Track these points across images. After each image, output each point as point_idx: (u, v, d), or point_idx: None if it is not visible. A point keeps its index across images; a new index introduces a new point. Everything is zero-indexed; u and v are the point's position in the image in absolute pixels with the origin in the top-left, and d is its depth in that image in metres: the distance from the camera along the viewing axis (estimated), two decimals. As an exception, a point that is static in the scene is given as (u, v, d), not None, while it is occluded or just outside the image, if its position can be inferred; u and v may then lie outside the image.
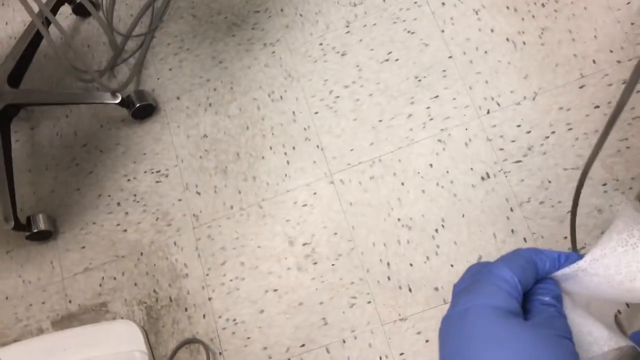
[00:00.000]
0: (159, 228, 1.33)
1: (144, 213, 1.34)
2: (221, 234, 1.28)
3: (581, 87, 1.18)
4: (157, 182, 1.36)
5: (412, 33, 1.32)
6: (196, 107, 1.39)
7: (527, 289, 0.39)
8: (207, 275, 1.26)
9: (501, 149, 1.19)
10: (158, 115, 1.42)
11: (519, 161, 1.17)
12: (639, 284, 0.38)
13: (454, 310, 0.37)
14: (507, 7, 1.28)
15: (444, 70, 1.27)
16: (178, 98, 1.42)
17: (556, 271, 0.41)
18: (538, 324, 0.36)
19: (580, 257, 0.40)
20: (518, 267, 0.38)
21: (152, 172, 1.37)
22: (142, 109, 1.39)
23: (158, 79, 1.45)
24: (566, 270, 0.40)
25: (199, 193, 1.32)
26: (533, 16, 1.26)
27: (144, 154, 1.39)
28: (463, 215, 1.17)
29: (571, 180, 1.14)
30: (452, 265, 1.15)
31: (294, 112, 1.32)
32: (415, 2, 1.34)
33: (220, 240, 1.28)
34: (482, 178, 1.18)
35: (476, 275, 0.39)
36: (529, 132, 1.18)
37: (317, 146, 1.29)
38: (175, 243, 1.30)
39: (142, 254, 1.32)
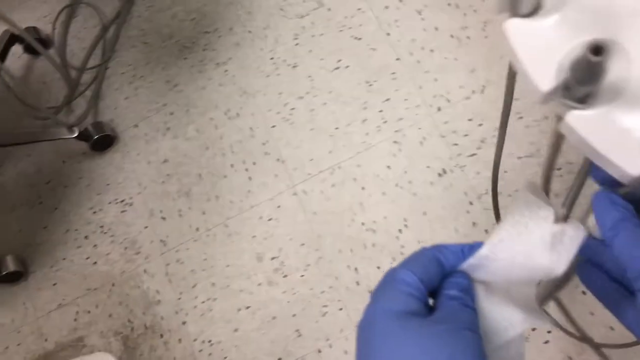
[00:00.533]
0: (128, 257, 1.33)
1: (112, 244, 1.34)
2: (190, 257, 1.29)
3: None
4: (122, 211, 1.36)
5: (359, 39, 1.34)
6: (155, 133, 1.40)
7: (433, 285, 0.40)
8: (180, 299, 1.26)
9: (455, 144, 1.20)
10: (118, 144, 1.42)
11: (474, 154, 1.19)
12: (537, 260, 0.39)
13: (362, 317, 0.38)
14: (449, 4, 1.30)
15: (393, 73, 1.29)
16: (136, 126, 1.42)
17: (462, 263, 0.41)
18: (438, 320, 0.36)
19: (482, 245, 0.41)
20: (420, 266, 0.39)
21: (117, 202, 1.37)
22: (101, 140, 1.39)
23: (115, 108, 1.46)
24: (471, 260, 0.41)
25: (164, 218, 1.33)
26: (475, 10, 1.28)
27: (108, 184, 1.40)
28: (424, 213, 1.18)
29: (526, 167, 1.16)
30: (418, 264, 1.16)
31: (251, 128, 1.33)
32: (359, 9, 1.35)
33: (189, 263, 1.28)
34: (439, 174, 1.20)
35: (382, 281, 0.40)
36: (480, 124, 1.20)
37: (278, 159, 1.30)
38: (145, 270, 1.30)
39: (113, 284, 1.31)
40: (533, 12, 0.36)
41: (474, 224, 1.15)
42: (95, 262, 1.34)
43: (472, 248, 0.41)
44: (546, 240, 0.39)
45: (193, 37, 1.45)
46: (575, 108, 0.33)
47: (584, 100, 0.33)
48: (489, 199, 1.16)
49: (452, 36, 1.28)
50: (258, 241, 1.26)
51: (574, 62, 0.31)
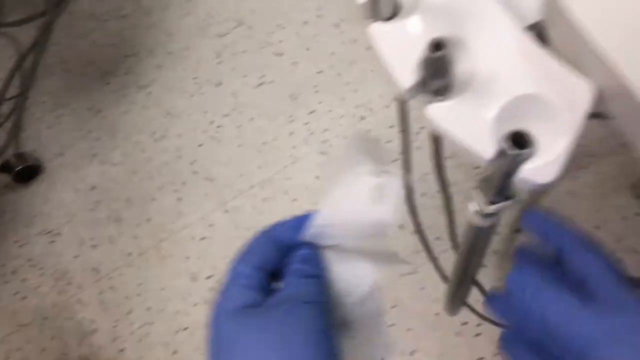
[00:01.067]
0: (60, 288, 1.29)
1: (42, 276, 1.31)
2: (124, 282, 1.26)
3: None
4: (51, 242, 1.33)
5: (281, 55, 1.36)
6: (81, 160, 1.37)
7: (277, 266, 0.39)
8: (115, 326, 1.24)
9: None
10: (43, 174, 1.39)
11: (397, 160, 1.22)
12: (368, 215, 0.39)
13: (208, 319, 0.38)
14: (365, 17, 1.34)
15: (316, 86, 1.32)
16: (61, 154, 1.39)
17: (303, 234, 0.39)
18: (277, 302, 0.36)
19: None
20: (254, 254, 0.38)
21: (45, 233, 1.34)
22: (25, 171, 1.35)
23: (38, 138, 1.42)
24: (311, 230, 0.39)
25: (95, 246, 1.30)
26: (389, 22, 1.33)
27: (34, 216, 1.36)
28: (354, 220, 1.21)
29: (447, 168, 1.20)
30: (351, 270, 1.18)
31: (178, 149, 1.33)
32: (279, 25, 1.38)
33: (123, 289, 1.26)
34: (366, 181, 1.22)
35: (225, 279, 0.39)
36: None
37: (207, 178, 1.30)
38: (78, 301, 1.27)
39: (45, 318, 1.28)
40: (393, 15, 0.39)
41: (401, 226, 1.18)
42: (24, 297, 1.30)
43: (307, 217, 0.40)
44: (369, 194, 0.39)
45: (114, 62, 1.44)
46: (434, 101, 0.36)
47: (441, 93, 0.36)
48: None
49: (369, 48, 1.31)
50: (192, 261, 1.25)
51: (421, 59, 0.33)
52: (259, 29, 1.39)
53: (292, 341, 0.33)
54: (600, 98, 0.36)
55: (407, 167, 0.61)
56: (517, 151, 0.35)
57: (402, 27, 0.39)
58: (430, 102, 0.36)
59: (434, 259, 0.90)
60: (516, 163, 0.36)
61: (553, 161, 0.35)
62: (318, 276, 0.38)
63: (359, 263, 0.39)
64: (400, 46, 0.38)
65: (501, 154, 0.36)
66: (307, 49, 1.34)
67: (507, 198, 0.43)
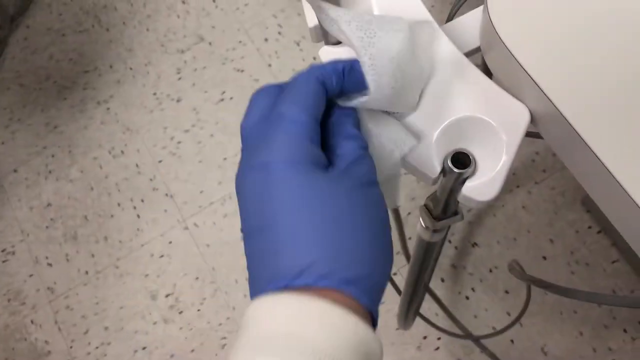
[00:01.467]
0: (12, 309, 1.25)
1: (-6, 297, 1.27)
2: (80, 302, 1.24)
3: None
4: (3, 261, 1.29)
5: (242, 71, 1.36)
6: (36, 177, 1.34)
7: (321, 117, 0.33)
8: (71, 347, 1.21)
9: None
10: (-3, 191, 1.35)
11: (357, 175, 1.24)
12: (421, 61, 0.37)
13: (250, 166, 0.31)
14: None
15: (277, 101, 1.32)
16: (15, 171, 1.36)
17: (342, 82, 0.34)
18: (340, 175, 0.30)
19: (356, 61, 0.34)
20: (309, 99, 0.32)
21: (-2, 252, 1.30)
22: (-23, 189, 1.32)
23: (-9, 154, 1.39)
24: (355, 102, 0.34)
25: (50, 264, 1.27)
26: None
27: (-14, 234, 1.32)
28: (315, 236, 1.21)
29: (406, 184, 1.22)
30: (312, 286, 1.18)
31: (137, 165, 1.32)
32: (240, 41, 1.39)
33: (79, 308, 1.23)
34: (327, 197, 1.23)
35: (267, 122, 0.32)
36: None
37: (166, 194, 1.29)
38: (32, 321, 1.24)
39: (-3, 340, 1.24)
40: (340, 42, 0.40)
41: (362, 241, 1.19)
42: (-25, 319, 1.26)
43: (349, 65, 0.34)
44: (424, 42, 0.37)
45: (72, 76, 1.42)
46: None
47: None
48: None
49: (329, 64, 1.33)
50: (151, 279, 1.23)
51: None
52: (220, 45, 1.39)
53: (361, 226, 0.29)
54: (533, 120, 0.38)
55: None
56: (458, 170, 0.36)
57: (349, 51, 0.40)
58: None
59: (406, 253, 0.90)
60: (458, 181, 0.37)
61: (493, 179, 0.36)
62: (366, 150, 0.32)
63: (397, 126, 0.36)
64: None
65: (445, 172, 0.37)
66: (269, 65, 1.35)
67: (453, 214, 0.45)
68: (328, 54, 0.41)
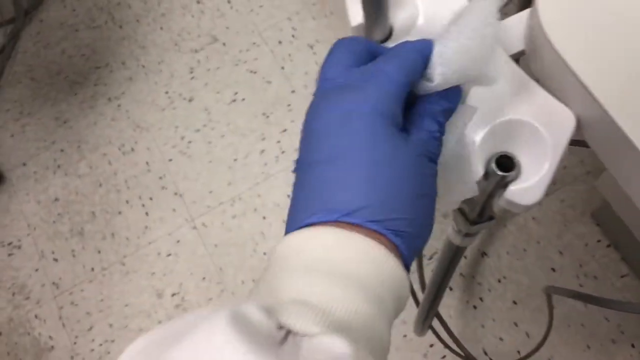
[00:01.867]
0: (16, 303, 1.25)
1: (-2, 290, 1.26)
2: (85, 298, 1.23)
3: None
4: (9, 254, 1.28)
5: (255, 72, 1.36)
6: (44, 171, 1.34)
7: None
8: (75, 343, 1.20)
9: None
10: (4, 185, 1.35)
11: (368, 180, 1.24)
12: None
13: (333, 107, 0.32)
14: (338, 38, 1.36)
15: (289, 105, 1.32)
16: (24, 164, 1.35)
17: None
18: (414, 142, 0.32)
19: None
20: (411, 65, 0.32)
21: (3, 246, 1.29)
22: (-15, 181, 1.31)
23: (0, 147, 1.38)
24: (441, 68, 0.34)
25: (56, 259, 1.26)
26: (363, 45, 1.35)
27: (-8, 227, 1.31)
28: (324, 240, 1.21)
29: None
30: (319, 290, 1.18)
31: (147, 163, 1.31)
32: (254, 43, 1.39)
33: (84, 305, 1.22)
34: (337, 201, 1.23)
35: (364, 72, 0.33)
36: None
37: (175, 193, 1.28)
38: (36, 316, 1.23)
39: (0, 333, 1.23)
40: (385, 39, 0.40)
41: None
42: (-22, 312, 1.25)
43: (430, 45, 0.34)
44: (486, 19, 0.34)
45: (83, 72, 1.42)
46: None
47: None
48: (383, 222, 1.20)
49: (343, 69, 1.33)
50: (157, 278, 1.23)
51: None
52: (233, 46, 1.39)
53: (418, 191, 0.31)
54: (579, 125, 0.38)
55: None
56: (502, 173, 0.36)
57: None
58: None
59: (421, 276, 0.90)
60: (501, 185, 0.37)
61: (536, 184, 0.36)
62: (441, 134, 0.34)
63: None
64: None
65: (487, 175, 0.37)
66: (282, 68, 1.35)
67: (489, 218, 0.45)
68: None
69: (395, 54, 0.33)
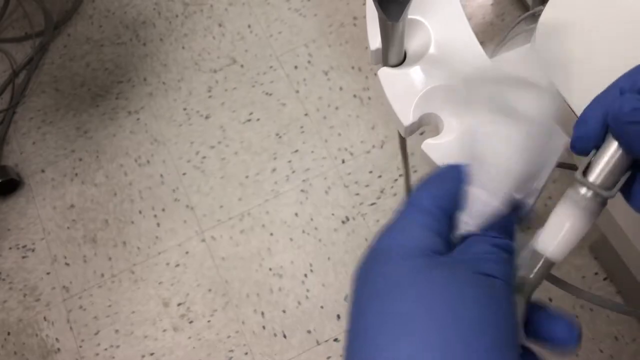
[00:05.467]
0: (27, 304, 1.28)
1: (10, 291, 1.30)
2: (93, 303, 1.26)
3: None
4: (23, 257, 1.32)
5: (270, 94, 1.42)
6: (62, 178, 1.39)
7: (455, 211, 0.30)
8: (81, 347, 1.23)
9: (357, 194, 1.29)
10: (23, 189, 1.40)
11: (374, 203, 1.28)
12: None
13: (368, 251, 0.30)
14: (352, 67, 1.42)
15: (302, 127, 1.37)
16: (43, 171, 1.41)
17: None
18: (458, 261, 0.28)
19: None
20: (445, 192, 0.30)
21: (18, 248, 1.34)
22: (5, 185, 1.36)
23: (21, 153, 1.44)
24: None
25: (68, 264, 1.30)
26: (375, 74, 1.40)
27: (8, 229, 1.36)
28: (329, 258, 1.25)
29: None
30: (322, 307, 1.21)
31: (161, 175, 1.36)
32: (271, 67, 1.44)
33: (92, 309, 1.26)
34: (343, 222, 1.27)
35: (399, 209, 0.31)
36: (380, 176, 1.30)
37: (187, 206, 1.33)
38: (45, 318, 1.27)
39: (9, 333, 1.26)
40: (399, 63, 0.44)
41: (373, 268, 1.22)
42: (-11, 311, 1.28)
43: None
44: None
45: (106, 85, 1.48)
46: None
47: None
48: (387, 244, 1.24)
49: (355, 96, 1.39)
50: (165, 287, 1.26)
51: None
52: (251, 68, 1.45)
53: (481, 320, 0.25)
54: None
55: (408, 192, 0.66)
56: None
57: (405, 74, 0.44)
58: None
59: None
60: None
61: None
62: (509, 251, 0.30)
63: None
64: (403, 89, 0.43)
65: None
66: (297, 92, 1.40)
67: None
68: (387, 75, 0.45)
69: (430, 182, 0.30)
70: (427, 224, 0.28)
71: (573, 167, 0.43)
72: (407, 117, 0.42)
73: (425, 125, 0.44)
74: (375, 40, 0.45)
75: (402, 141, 0.60)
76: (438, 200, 0.29)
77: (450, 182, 0.30)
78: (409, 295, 0.26)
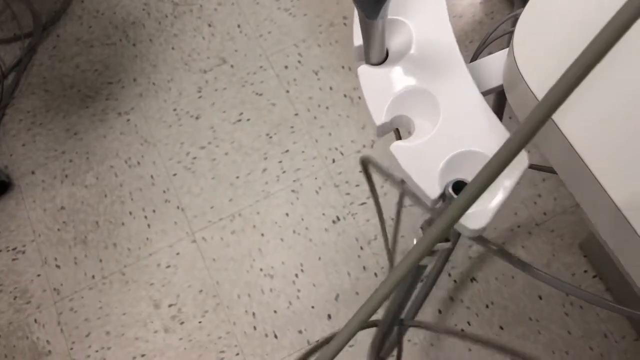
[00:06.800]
0: (17, 307, 1.28)
1: (0, 293, 1.29)
2: (84, 305, 1.26)
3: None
4: (13, 259, 1.32)
5: (260, 95, 1.42)
6: (52, 180, 1.38)
7: None
8: (72, 349, 1.23)
9: (347, 194, 1.29)
10: (12, 191, 1.39)
11: (364, 203, 1.28)
12: None
13: None
14: (342, 67, 1.42)
15: (292, 127, 1.37)
16: (33, 173, 1.40)
17: None
18: None
19: None
20: None
21: (8, 250, 1.33)
22: (-6, 187, 1.35)
23: (11, 155, 1.43)
24: None
25: (58, 266, 1.30)
26: (365, 73, 1.40)
27: (-2, 232, 1.35)
28: (319, 258, 1.25)
29: (412, 216, 1.26)
30: (312, 307, 1.21)
31: (152, 176, 1.36)
32: (261, 67, 1.44)
33: (83, 312, 1.26)
34: (333, 221, 1.27)
35: None
36: (370, 176, 1.30)
37: (178, 207, 1.33)
38: (35, 320, 1.26)
39: (-1, 336, 1.26)
40: (381, 62, 0.44)
41: (364, 267, 1.23)
42: (-21, 314, 1.28)
43: None
44: None
45: (96, 87, 1.47)
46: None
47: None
48: (377, 244, 1.24)
49: (345, 95, 1.39)
50: (156, 288, 1.26)
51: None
52: (241, 68, 1.45)
53: None
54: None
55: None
56: (457, 196, 0.40)
57: (384, 73, 0.44)
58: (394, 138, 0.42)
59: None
60: None
61: (485, 212, 0.40)
62: None
63: None
64: (379, 88, 0.43)
65: (444, 197, 0.41)
66: (287, 92, 1.40)
67: (444, 240, 0.48)
68: (366, 73, 0.45)
69: None
70: None
71: (551, 170, 0.43)
72: (380, 117, 0.42)
73: (398, 127, 0.44)
74: (359, 37, 0.45)
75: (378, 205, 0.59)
76: None
77: None
78: None
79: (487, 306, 1.18)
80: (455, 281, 1.21)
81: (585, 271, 1.19)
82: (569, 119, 0.38)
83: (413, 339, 1.17)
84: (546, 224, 1.23)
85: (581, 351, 1.13)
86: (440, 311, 1.19)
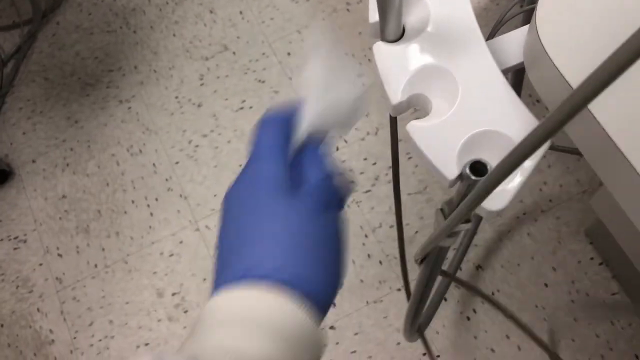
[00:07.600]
0: (19, 296, 1.27)
1: (2, 282, 1.28)
2: (87, 294, 1.25)
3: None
4: (15, 248, 1.31)
5: (263, 82, 1.40)
6: (53, 169, 1.37)
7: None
8: (75, 338, 1.22)
9: (352, 182, 1.28)
10: (13, 180, 1.38)
11: (369, 191, 1.27)
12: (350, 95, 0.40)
13: (239, 185, 0.37)
14: (346, 54, 1.40)
15: (295, 114, 1.36)
16: (34, 161, 1.39)
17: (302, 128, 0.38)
18: (305, 196, 0.35)
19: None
20: (283, 129, 0.37)
21: (9, 239, 1.32)
22: (-5, 176, 1.34)
23: (11, 143, 1.42)
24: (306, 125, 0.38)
25: (60, 255, 1.29)
26: (369, 60, 1.39)
27: (0, 221, 1.34)
28: (323, 247, 1.24)
29: (416, 203, 1.25)
30: (317, 295, 1.20)
31: (154, 164, 1.34)
32: (264, 54, 1.43)
33: (86, 301, 1.25)
34: (338, 210, 1.26)
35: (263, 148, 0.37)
36: (374, 163, 1.29)
37: (180, 195, 1.31)
38: (38, 309, 1.25)
39: (2, 325, 1.25)
40: (396, 39, 0.43)
41: (369, 255, 1.22)
42: (-18, 303, 1.27)
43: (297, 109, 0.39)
44: (343, 77, 0.41)
45: (96, 74, 1.46)
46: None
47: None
48: (382, 231, 1.23)
49: (348, 82, 1.37)
50: (159, 277, 1.25)
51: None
52: (243, 55, 1.43)
53: (313, 242, 0.33)
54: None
55: (396, 179, 0.65)
56: (475, 177, 0.39)
57: (400, 51, 0.43)
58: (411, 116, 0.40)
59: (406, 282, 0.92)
60: (473, 188, 0.40)
61: (504, 193, 0.39)
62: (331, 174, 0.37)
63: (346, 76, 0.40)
64: (395, 66, 0.42)
65: (462, 178, 0.40)
66: (290, 79, 1.39)
67: (465, 221, 0.47)
68: (381, 50, 0.44)
69: (266, 128, 0.37)
70: (283, 161, 0.36)
71: (573, 151, 0.42)
72: (397, 95, 0.41)
73: (414, 106, 0.43)
74: (375, 13, 0.44)
75: (393, 125, 0.59)
76: (287, 139, 0.37)
77: (286, 125, 0.37)
78: (262, 217, 0.34)
79: (492, 293, 1.17)
80: (460, 269, 1.20)
81: (592, 258, 1.18)
82: (605, 106, 0.37)
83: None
84: (552, 211, 1.22)
85: (587, 338, 1.13)
86: (445, 299, 1.18)
